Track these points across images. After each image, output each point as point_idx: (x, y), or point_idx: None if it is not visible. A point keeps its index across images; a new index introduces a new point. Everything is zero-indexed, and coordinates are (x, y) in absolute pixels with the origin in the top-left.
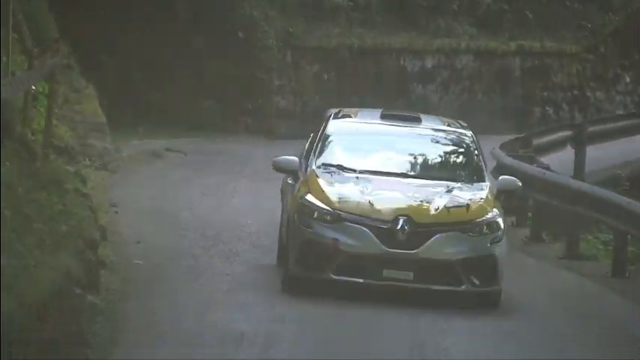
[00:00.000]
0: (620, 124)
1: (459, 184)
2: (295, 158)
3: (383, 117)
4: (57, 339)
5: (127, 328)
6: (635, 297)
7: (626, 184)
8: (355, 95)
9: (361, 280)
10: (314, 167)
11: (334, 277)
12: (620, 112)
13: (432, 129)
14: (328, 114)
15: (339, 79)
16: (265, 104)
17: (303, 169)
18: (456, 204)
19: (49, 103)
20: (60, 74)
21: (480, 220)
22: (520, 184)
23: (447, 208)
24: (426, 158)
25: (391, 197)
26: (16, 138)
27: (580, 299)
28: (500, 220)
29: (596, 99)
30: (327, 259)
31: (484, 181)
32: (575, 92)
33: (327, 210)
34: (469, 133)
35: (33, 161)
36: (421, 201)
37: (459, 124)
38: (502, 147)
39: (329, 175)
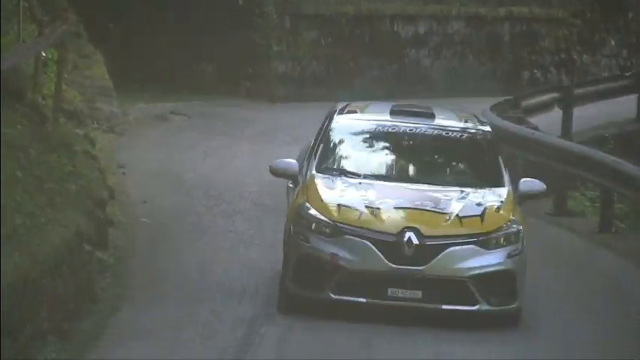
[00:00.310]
0: (605, 86)
1: (474, 190)
2: (294, 161)
3: (392, 113)
4: (67, 294)
5: (133, 284)
6: (622, 252)
7: (611, 143)
8: (352, 61)
9: (364, 300)
10: (314, 171)
11: (333, 296)
12: (606, 75)
13: (447, 127)
14: (333, 109)
15: (335, 45)
16: (265, 69)
17: (304, 173)
18: (470, 213)
19: (59, 69)
20: (69, 42)
21: (496, 231)
22: (545, 187)
23: (459, 218)
24: (438, 161)
25: (397, 206)
26: (28, 103)
27: (569, 254)
28: (520, 231)
29: (582, 62)
30: (325, 277)
31: (503, 186)
32: (563, 56)
33: (325, 221)
34: (488, 130)
35: (43, 124)
36: (431, 210)
37: (477, 119)
38: (492, 108)
39: (330, 180)
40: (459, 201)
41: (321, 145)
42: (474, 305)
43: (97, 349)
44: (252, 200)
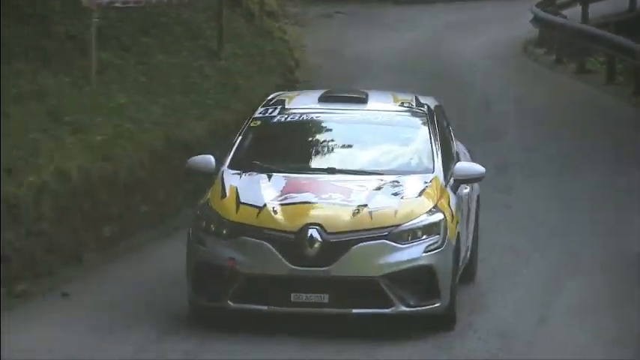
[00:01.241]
0: None
1: (395, 179)
2: (210, 157)
3: (321, 100)
4: None
5: None
6: (620, 96)
7: (613, 26)
8: None
9: (265, 308)
10: (224, 167)
11: (232, 304)
12: None
13: (378, 111)
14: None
15: None
16: None
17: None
18: (382, 205)
19: None
20: None
21: (411, 223)
22: (483, 170)
23: (369, 211)
24: (361, 149)
25: (302, 202)
26: (243, 6)
27: (583, 97)
28: (441, 221)
29: None
30: (223, 284)
31: (431, 172)
32: None
33: (223, 222)
34: (425, 111)
35: (253, 20)
36: (339, 205)
37: (417, 101)
38: (538, 5)
39: (237, 176)
40: (373, 192)
41: (239, 139)
42: (388, 307)
43: None
44: (387, 67)
